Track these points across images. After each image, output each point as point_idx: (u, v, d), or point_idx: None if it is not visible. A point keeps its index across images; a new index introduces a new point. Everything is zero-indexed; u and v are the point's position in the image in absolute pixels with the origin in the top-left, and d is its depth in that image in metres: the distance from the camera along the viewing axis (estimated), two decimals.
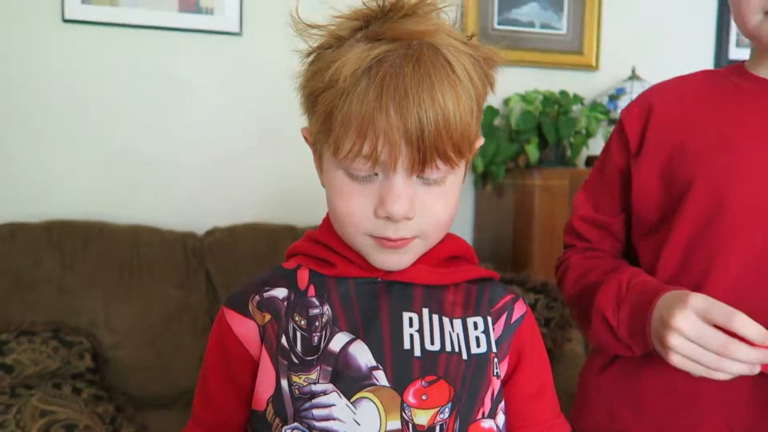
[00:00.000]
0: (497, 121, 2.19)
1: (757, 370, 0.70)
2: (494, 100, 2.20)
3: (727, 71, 0.89)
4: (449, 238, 0.70)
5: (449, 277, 0.67)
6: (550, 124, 2.07)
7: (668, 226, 0.83)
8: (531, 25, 2.36)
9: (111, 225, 1.84)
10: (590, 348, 1.02)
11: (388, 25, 0.59)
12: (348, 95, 0.57)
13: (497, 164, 2.06)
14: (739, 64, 0.89)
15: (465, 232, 2.30)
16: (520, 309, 0.70)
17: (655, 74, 2.38)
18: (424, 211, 0.61)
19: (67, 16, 1.94)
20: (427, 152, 0.57)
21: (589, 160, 2.25)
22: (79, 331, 1.59)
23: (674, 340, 0.71)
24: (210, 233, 1.91)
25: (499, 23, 2.34)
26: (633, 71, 2.30)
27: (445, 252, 0.68)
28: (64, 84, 1.95)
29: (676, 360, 0.72)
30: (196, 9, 2.05)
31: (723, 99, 0.85)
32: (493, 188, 2.15)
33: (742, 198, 0.78)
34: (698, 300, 0.70)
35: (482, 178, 2.17)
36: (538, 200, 1.99)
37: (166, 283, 1.77)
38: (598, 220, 0.95)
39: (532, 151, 2.05)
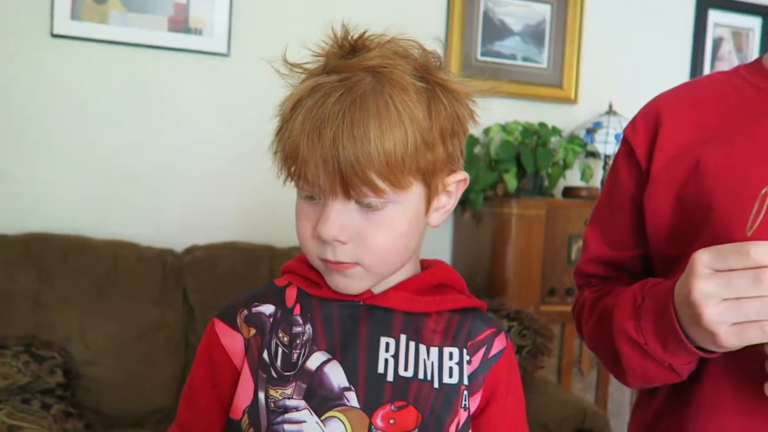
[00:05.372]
0: (477, 150, 2.23)
1: None
2: (474, 129, 2.24)
3: (745, 71, 0.76)
4: (437, 267, 0.72)
5: (431, 306, 0.68)
6: (528, 154, 2.12)
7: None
8: (513, 57, 2.43)
9: (90, 240, 1.83)
10: (635, 399, 0.86)
11: (341, 61, 0.62)
12: (287, 122, 0.62)
13: (476, 192, 2.09)
14: (756, 62, 0.76)
15: (443, 257, 2.33)
16: (499, 344, 0.70)
17: (631, 110, 2.46)
18: (360, 237, 0.62)
19: (56, 31, 1.95)
20: (346, 178, 0.59)
21: (566, 191, 2.30)
22: (51, 346, 1.58)
23: (708, 311, 0.58)
24: (189, 251, 1.91)
25: (482, 54, 2.40)
26: (610, 106, 2.37)
27: (430, 280, 0.70)
28: (49, 98, 1.96)
29: (726, 335, 0.58)
30: (185, 29, 2.08)
31: (743, 105, 0.72)
32: (472, 216, 2.18)
33: None
34: (703, 256, 0.59)
35: (461, 205, 2.20)
36: (515, 229, 2.03)
37: (143, 300, 1.76)
38: (614, 258, 0.82)
39: (511, 180, 2.09)
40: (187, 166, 2.08)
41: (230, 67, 2.10)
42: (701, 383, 0.70)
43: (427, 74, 0.63)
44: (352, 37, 0.64)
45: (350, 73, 0.61)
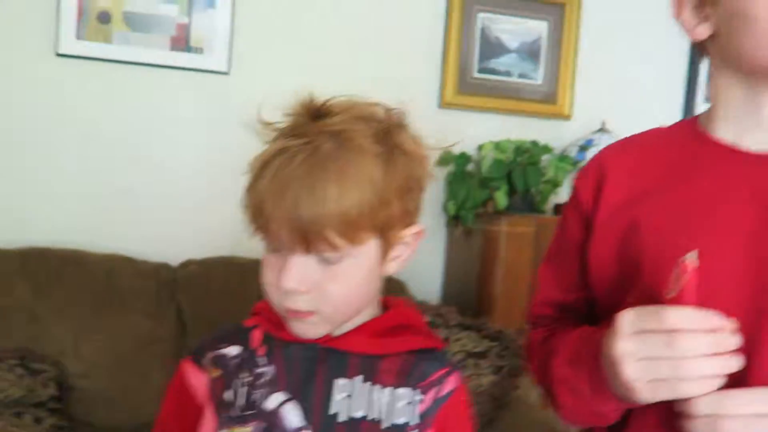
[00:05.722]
0: (470, 167, 2.26)
1: (726, 369, 0.60)
2: (469, 145, 2.28)
3: (679, 132, 0.79)
4: (397, 308, 0.77)
5: (388, 347, 0.72)
6: (519, 172, 2.14)
7: None
8: (508, 74, 2.46)
9: (85, 254, 1.87)
10: None
11: (307, 125, 0.68)
12: (255, 180, 0.68)
13: (467, 209, 2.13)
14: (692, 121, 0.79)
15: (436, 272, 2.37)
16: (452, 383, 0.74)
17: (624, 128, 2.44)
18: (318, 287, 0.67)
19: (61, 51, 2.02)
20: (306, 234, 0.64)
21: (558, 208, 2.32)
22: (45, 359, 1.61)
23: (626, 368, 0.62)
24: (184, 266, 1.95)
25: (479, 71, 2.43)
26: (602, 124, 2.39)
27: (389, 322, 0.74)
28: (51, 114, 2.01)
29: (642, 391, 0.62)
30: (187, 48, 2.14)
31: (677, 165, 0.75)
32: (463, 232, 2.22)
33: None
34: (625, 318, 0.63)
35: (454, 221, 2.24)
36: (504, 246, 2.05)
37: (137, 313, 1.80)
38: (563, 300, 0.86)
39: (500, 198, 2.12)
40: (185, 182, 2.12)
41: (230, 86, 2.16)
42: (628, 428, 0.75)
43: (387, 137, 0.69)
44: (317, 103, 0.70)
45: (313, 137, 0.66)
